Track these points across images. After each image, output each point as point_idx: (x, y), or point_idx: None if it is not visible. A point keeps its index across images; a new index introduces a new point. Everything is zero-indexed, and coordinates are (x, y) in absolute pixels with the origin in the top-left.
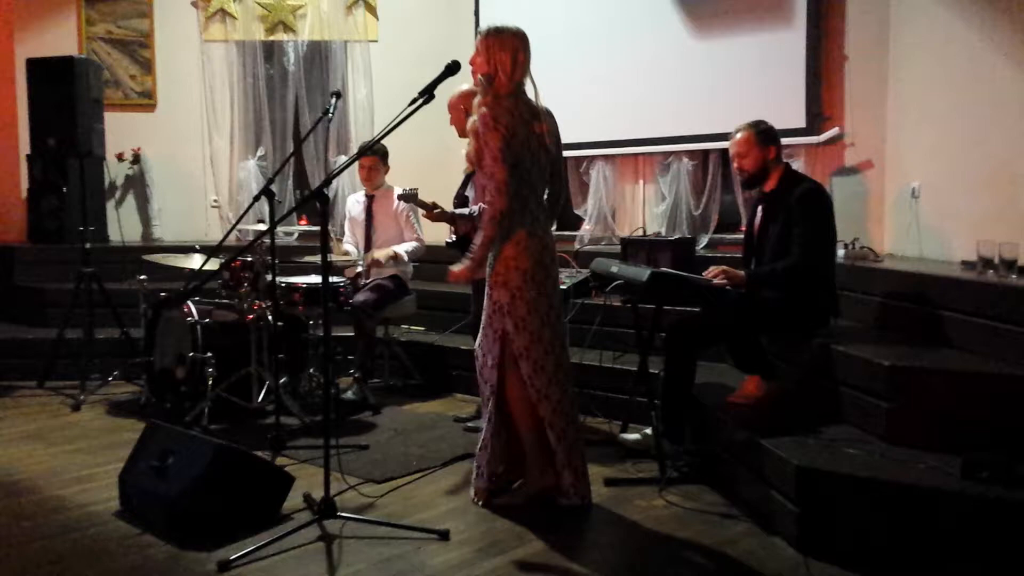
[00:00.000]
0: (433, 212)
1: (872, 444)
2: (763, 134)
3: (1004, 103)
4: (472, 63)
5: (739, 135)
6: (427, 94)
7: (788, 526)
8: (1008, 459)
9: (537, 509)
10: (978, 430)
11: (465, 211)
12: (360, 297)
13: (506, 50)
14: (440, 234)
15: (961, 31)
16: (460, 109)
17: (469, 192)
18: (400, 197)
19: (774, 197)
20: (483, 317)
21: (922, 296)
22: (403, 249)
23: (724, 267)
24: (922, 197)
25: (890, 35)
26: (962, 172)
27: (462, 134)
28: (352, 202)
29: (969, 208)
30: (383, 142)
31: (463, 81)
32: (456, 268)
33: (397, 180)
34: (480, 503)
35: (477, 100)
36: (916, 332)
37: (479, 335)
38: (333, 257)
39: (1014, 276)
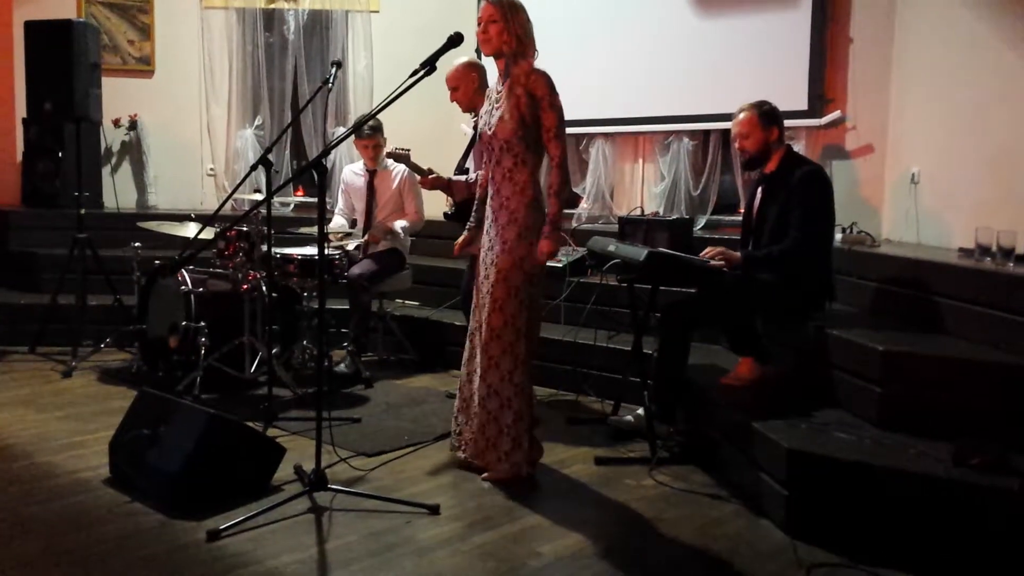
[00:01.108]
0: (428, 177)
1: (864, 429)
2: (766, 115)
3: (1006, 91)
4: (486, 32)
5: (742, 115)
6: (428, 66)
7: (777, 509)
8: (999, 447)
9: (527, 485)
10: (970, 418)
11: (463, 178)
12: (356, 270)
13: (522, 14)
14: (438, 207)
15: (966, 17)
16: (471, 79)
17: (469, 163)
18: (389, 155)
19: (774, 179)
20: (498, 290)
21: (919, 282)
22: (400, 225)
23: (721, 248)
24: (922, 183)
25: (896, 19)
26: (962, 159)
27: (465, 108)
28: (350, 173)
29: (968, 195)
30: (385, 117)
31: (463, 54)
32: (544, 245)
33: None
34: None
35: (513, 63)
36: (911, 318)
37: (490, 307)
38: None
39: (1011, 264)
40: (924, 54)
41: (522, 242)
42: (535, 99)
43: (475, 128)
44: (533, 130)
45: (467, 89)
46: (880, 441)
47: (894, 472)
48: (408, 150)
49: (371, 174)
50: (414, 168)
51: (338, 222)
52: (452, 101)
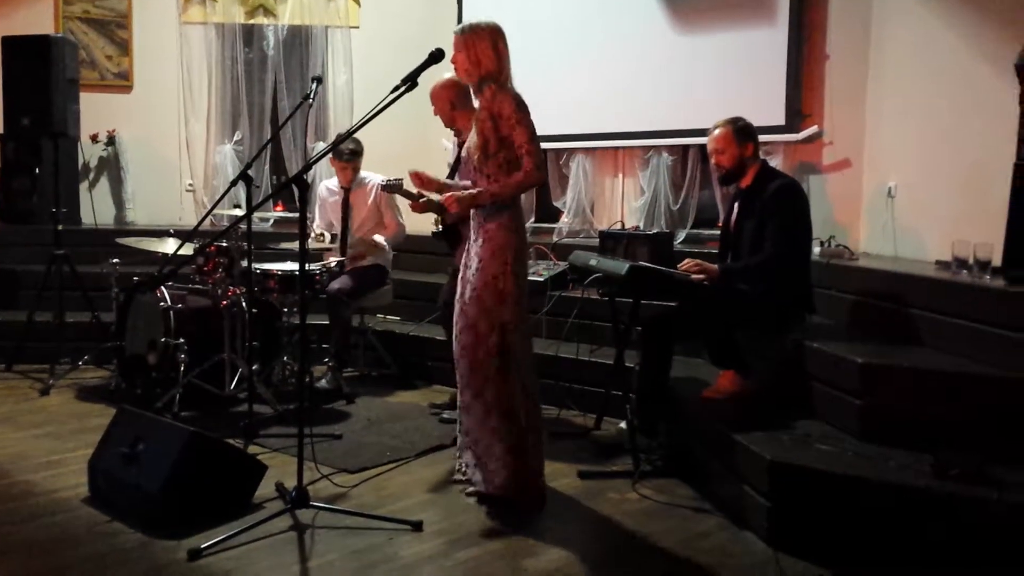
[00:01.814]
0: (420, 202)
1: (844, 440)
2: (741, 131)
3: (982, 104)
4: (454, 62)
5: (717, 131)
6: (410, 82)
7: (759, 521)
8: (979, 458)
9: (510, 501)
10: (949, 428)
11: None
12: (336, 285)
13: (485, 40)
14: (422, 224)
15: (941, 32)
16: (444, 98)
17: (456, 180)
18: (384, 188)
19: (750, 193)
20: (468, 307)
21: (896, 295)
22: (381, 238)
23: (698, 260)
24: (898, 196)
25: (871, 35)
26: (939, 172)
27: (447, 124)
28: (325, 190)
29: (945, 208)
30: (356, 136)
31: (445, 70)
32: (452, 197)
33: (378, 168)
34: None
35: (478, 91)
36: (889, 330)
37: (465, 323)
38: (312, 244)
39: (988, 277)
40: (900, 69)
41: (495, 261)
42: (501, 119)
43: (457, 145)
44: (505, 151)
45: (442, 107)
46: (860, 453)
47: (875, 483)
48: (400, 180)
49: (346, 191)
50: (406, 195)
51: (319, 230)
52: (435, 115)
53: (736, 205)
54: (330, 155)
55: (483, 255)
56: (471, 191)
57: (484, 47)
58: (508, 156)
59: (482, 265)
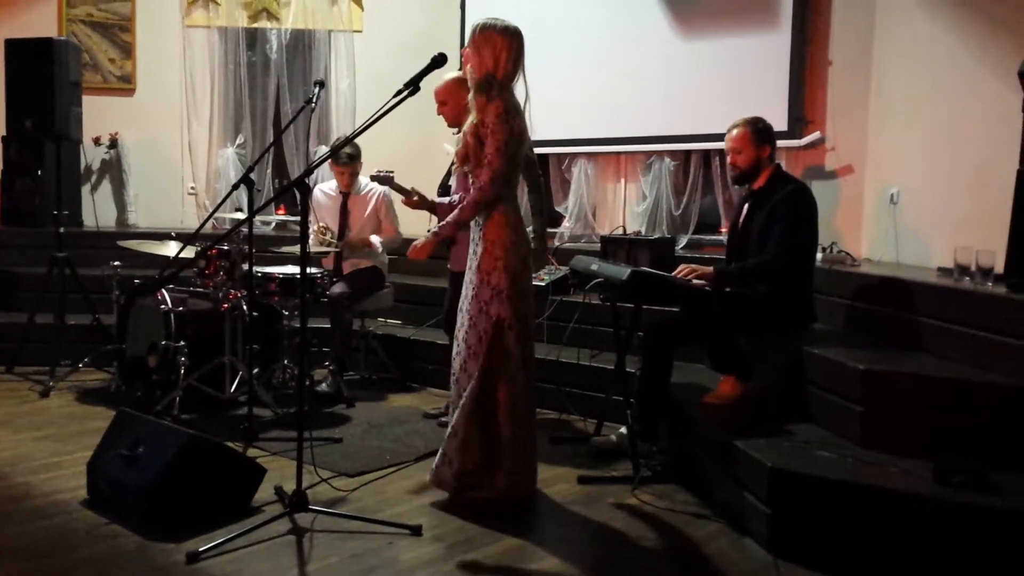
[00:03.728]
0: (412, 199)
1: (845, 447)
2: (760, 132)
3: (984, 110)
4: (464, 58)
5: (735, 131)
6: (412, 86)
7: (760, 527)
8: (980, 465)
9: (509, 506)
10: (951, 436)
11: (446, 200)
12: (336, 289)
13: (494, 45)
14: (419, 227)
15: (943, 39)
16: (460, 96)
17: (451, 182)
18: (373, 178)
19: (761, 195)
20: (470, 307)
21: (898, 301)
22: (378, 239)
23: (692, 265)
24: (901, 203)
25: (874, 41)
26: (941, 178)
27: (451, 123)
28: (320, 194)
29: (947, 214)
30: (367, 137)
31: (448, 74)
32: (419, 243)
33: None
34: (445, 492)
35: (473, 96)
36: (891, 337)
37: (464, 326)
38: (315, 238)
39: (990, 283)
40: (902, 75)
41: (488, 257)
42: (482, 127)
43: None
44: (479, 155)
45: (455, 104)
46: (862, 459)
47: (876, 490)
48: (392, 172)
49: (344, 196)
50: (398, 189)
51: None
52: (439, 115)
53: (746, 206)
54: (329, 159)
55: (479, 251)
56: (431, 232)
57: (488, 49)
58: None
59: (479, 262)
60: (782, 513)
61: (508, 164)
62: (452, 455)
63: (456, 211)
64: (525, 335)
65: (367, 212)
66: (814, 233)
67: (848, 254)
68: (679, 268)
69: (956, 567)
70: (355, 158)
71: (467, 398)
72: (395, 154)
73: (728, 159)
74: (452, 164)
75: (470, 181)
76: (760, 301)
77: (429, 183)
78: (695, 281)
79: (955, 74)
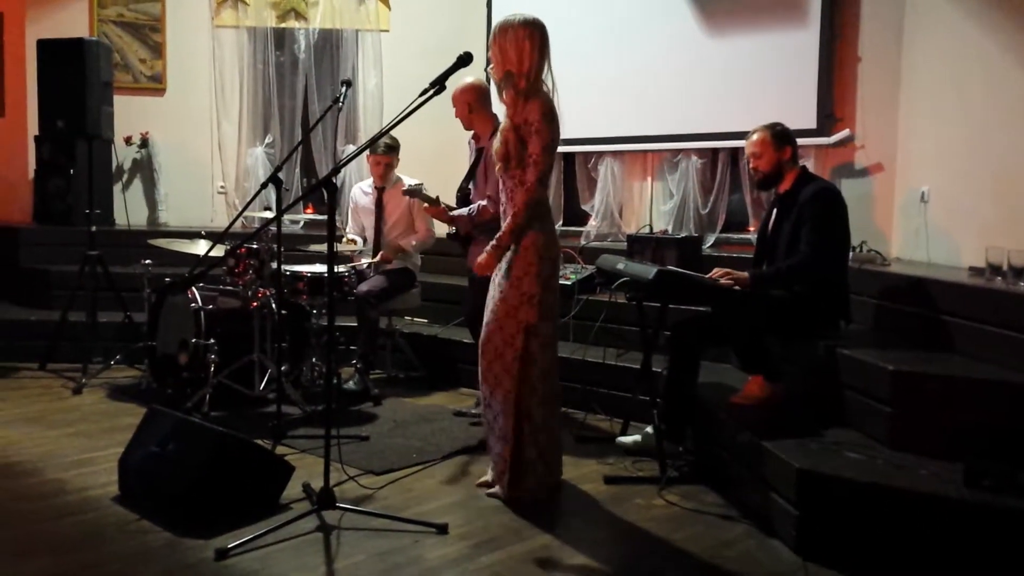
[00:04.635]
0: (434, 207)
1: (875, 449)
2: (778, 136)
3: (1016, 109)
4: (493, 58)
5: (755, 136)
6: (438, 85)
7: (787, 529)
8: (1011, 467)
9: (536, 505)
10: (981, 437)
11: (464, 211)
12: (364, 287)
13: (517, 38)
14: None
15: (975, 36)
16: (463, 101)
17: (470, 185)
18: (405, 192)
19: (788, 198)
20: (498, 309)
21: (929, 301)
22: (410, 243)
23: (727, 269)
24: (931, 201)
25: (904, 38)
26: (972, 177)
27: (467, 127)
28: (358, 192)
29: (978, 213)
30: (396, 136)
31: (470, 73)
32: (482, 259)
33: (404, 170)
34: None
35: (506, 95)
36: (922, 337)
37: (492, 328)
38: (340, 247)
39: (1022, 283)
40: (932, 72)
41: (521, 262)
42: (525, 125)
43: (474, 150)
44: (521, 155)
45: (461, 110)
46: (891, 461)
47: (905, 492)
48: (421, 184)
49: (379, 191)
50: (425, 199)
51: (354, 237)
52: (457, 118)
53: (774, 210)
54: (366, 152)
55: (511, 256)
56: (491, 245)
57: (511, 43)
58: (521, 166)
59: (510, 265)
60: (810, 515)
61: (552, 163)
62: (502, 456)
63: (509, 219)
64: (549, 341)
65: (402, 206)
66: (845, 231)
67: (878, 253)
68: (714, 271)
69: (986, 570)
70: (393, 149)
71: (501, 405)
72: (422, 153)
73: (750, 165)
74: (470, 167)
75: (500, 185)
76: (790, 301)
77: (455, 180)
78: (723, 281)
79: (986, 70)
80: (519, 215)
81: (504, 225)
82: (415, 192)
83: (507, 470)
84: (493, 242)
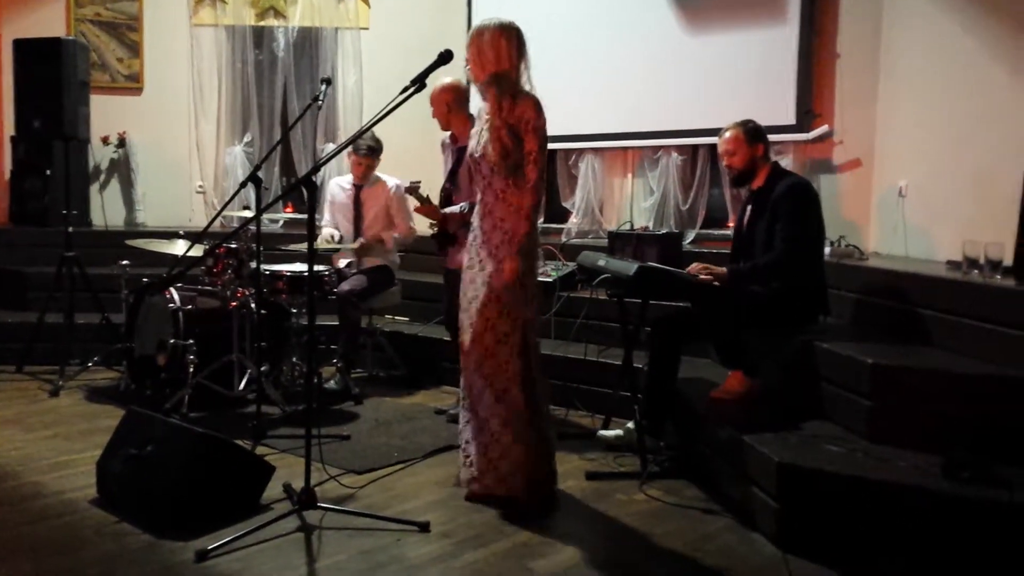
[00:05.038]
0: (427, 206)
1: (854, 442)
2: (751, 132)
3: (993, 104)
4: (471, 61)
5: (728, 133)
6: (419, 83)
7: (768, 522)
8: (989, 459)
9: (518, 502)
10: (960, 430)
11: (456, 209)
12: (345, 286)
13: (494, 41)
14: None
15: (953, 32)
16: (441, 101)
17: (450, 185)
18: (407, 191)
19: (761, 194)
20: (489, 308)
21: (907, 295)
22: (391, 236)
23: (705, 264)
24: (909, 196)
25: (882, 34)
26: (949, 172)
27: (444, 127)
28: (336, 187)
29: (956, 208)
30: (378, 136)
31: (448, 73)
32: (508, 266)
33: (388, 168)
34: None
35: (490, 95)
36: (900, 331)
37: (479, 327)
38: (319, 245)
39: (999, 276)
40: (911, 69)
41: (517, 260)
42: (521, 123)
43: (453, 152)
44: (519, 152)
45: (438, 110)
46: (870, 454)
47: (884, 485)
48: (418, 183)
49: (357, 189)
50: (419, 198)
51: (328, 232)
52: (434, 118)
53: (748, 207)
54: (348, 148)
55: (502, 255)
56: (512, 252)
57: (488, 44)
58: (518, 163)
59: (503, 266)
60: (790, 508)
61: (545, 162)
62: (514, 465)
63: (522, 221)
64: (534, 335)
65: (380, 204)
66: (820, 224)
67: (856, 248)
68: (692, 266)
69: (965, 561)
70: (375, 152)
71: (491, 403)
72: (403, 151)
73: (724, 163)
74: (451, 168)
75: (475, 178)
76: (769, 295)
77: (436, 177)
78: (703, 277)
79: (965, 67)
80: (526, 224)
81: (509, 225)
82: (412, 191)
83: (526, 477)
84: (512, 249)
